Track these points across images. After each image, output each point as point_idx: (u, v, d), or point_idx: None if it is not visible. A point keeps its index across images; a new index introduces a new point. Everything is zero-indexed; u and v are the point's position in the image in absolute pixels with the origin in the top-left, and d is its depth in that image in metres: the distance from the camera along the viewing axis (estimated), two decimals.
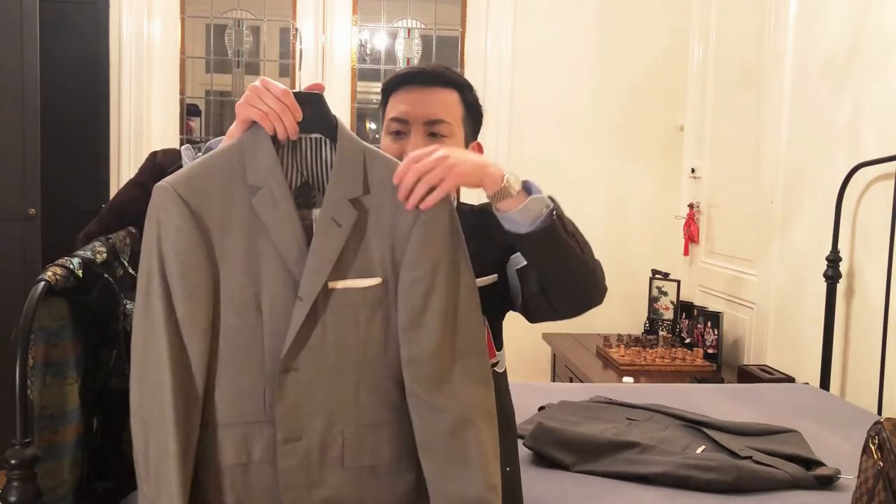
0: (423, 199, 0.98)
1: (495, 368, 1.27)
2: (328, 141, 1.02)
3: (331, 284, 0.98)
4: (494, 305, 1.26)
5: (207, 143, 1.16)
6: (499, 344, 1.29)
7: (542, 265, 1.15)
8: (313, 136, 1.02)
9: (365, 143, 1.02)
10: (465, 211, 1.31)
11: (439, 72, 1.25)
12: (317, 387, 0.99)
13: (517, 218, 1.05)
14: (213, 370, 0.98)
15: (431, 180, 0.97)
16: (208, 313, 0.97)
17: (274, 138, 0.99)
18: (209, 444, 0.98)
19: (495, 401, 1.15)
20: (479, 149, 1.33)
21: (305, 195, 1.02)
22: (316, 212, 1.00)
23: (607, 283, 1.25)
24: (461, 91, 1.26)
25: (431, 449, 1.01)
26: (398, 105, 1.24)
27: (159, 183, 0.98)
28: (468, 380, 1.02)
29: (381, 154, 1.03)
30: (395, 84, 1.25)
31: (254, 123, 0.99)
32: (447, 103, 1.24)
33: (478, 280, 1.18)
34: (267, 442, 0.99)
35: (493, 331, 1.27)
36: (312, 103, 1.00)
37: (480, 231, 1.23)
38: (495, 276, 1.24)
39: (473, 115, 1.28)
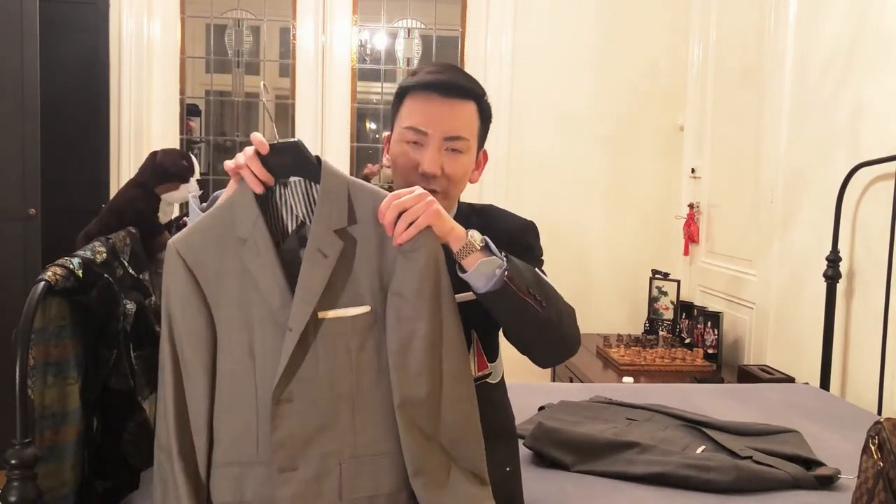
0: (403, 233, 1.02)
1: (488, 380, 1.27)
2: (314, 182, 1.06)
3: (320, 314, 1.01)
4: (484, 320, 1.23)
5: (213, 196, 1.20)
6: (491, 356, 1.28)
7: (503, 322, 1.16)
8: (297, 179, 1.06)
9: (349, 177, 1.05)
10: (466, 212, 1.31)
11: (461, 83, 1.22)
12: (311, 417, 1.01)
13: (472, 279, 1.08)
14: (213, 412, 1.04)
15: (410, 217, 1.01)
16: (207, 358, 1.04)
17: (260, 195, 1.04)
18: (213, 481, 1.04)
19: (490, 411, 1.18)
20: (485, 156, 1.32)
21: (302, 236, 1.07)
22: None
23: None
24: (478, 101, 1.24)
25: (421, 473, 1.03)
26: (417, 114, 1.21)
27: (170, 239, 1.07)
28: (455, 404, 1.04)
29: (365, 186, 1.05)
30: (415, 88, 1.22)
31: (242, 180, 1.04)
32: (467, 118, 1.22)
33: (468, 294, 1.18)
34: (258, 483, 1.02)
35: (484, 343, 1.26)
36: (290, 151, 1.03)
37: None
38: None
39: (486, 124, 1.27)
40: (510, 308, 1.09)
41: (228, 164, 1.05)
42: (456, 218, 1.25)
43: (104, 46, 3.44)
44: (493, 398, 1.28)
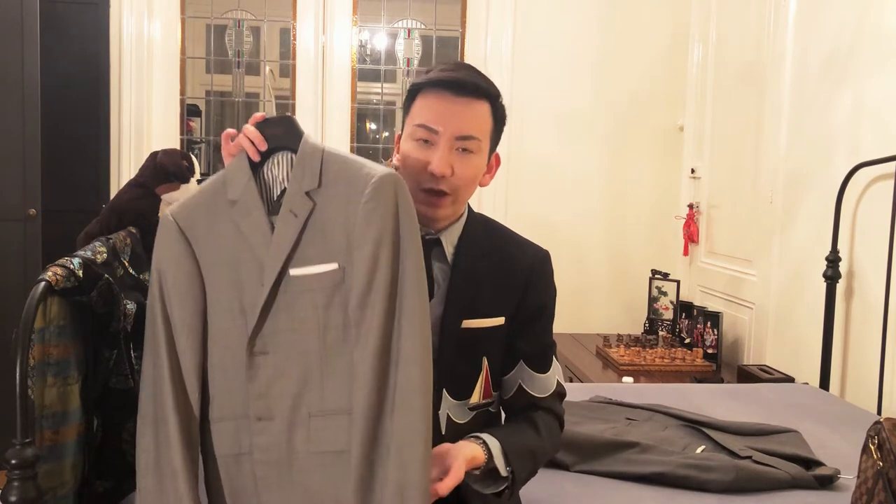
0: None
1: (489, 409, 1.27)
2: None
3: (291, 272, 1.05)
4: (499, 348, 1.25)
5: None
6: (497, 385, 1.28)
7: None
8: (284, 152, 1.11)
9: (328, 147, 1.09)
10: (476, 223, 1.28)
11: (475, 82, 1.18)
12: (285, 370, 1.06)
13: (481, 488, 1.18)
14: (208, 370, 1.09)
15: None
16: (199, 317, 1.09)
17: (254, 163, 1.09)
18: (209, 437, 1.09)
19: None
20: (497, 160, 1.29)
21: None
22: None
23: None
24: (493, 102, 1.21)
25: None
26: (428, 111, 1.18)
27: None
28: (406, 362, 1.02)
29: (340, 154, 1.08)
30: (428, 86, 1.19)
31: (237, 155, 1.11)
32: (479, 118, 1.19)
33: (486, 321, 1.22)
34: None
35: (493, 371, 1.25)
36: (283, 125, 1.10)
37: (496, 258, 1.25)
38: (502, 318, 1.23)
39: (499, 126, 1.24)
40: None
41: (227, 131, 1.12)
42: (465, 229, 1.26)
43: (104, 47, 3.45)
44: (492, 426, 1.28)
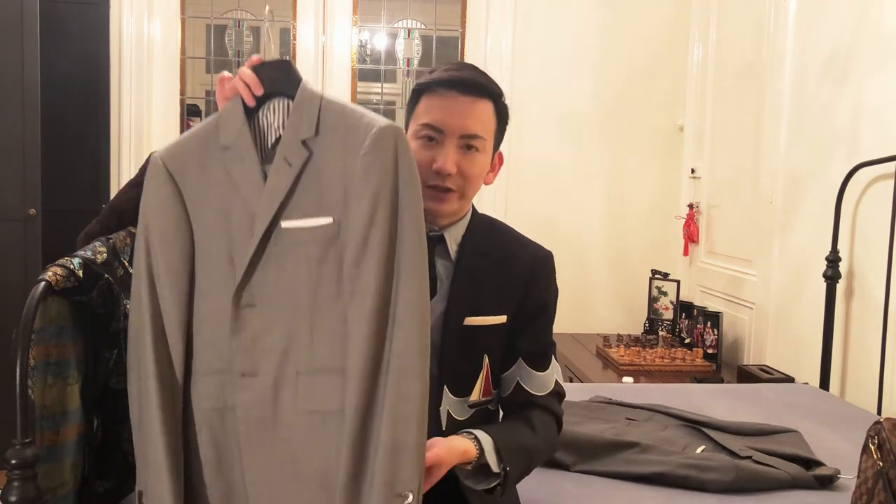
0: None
1: (488, 406, 1.27)
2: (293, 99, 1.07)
3: (283, 224, 1.01)
4: (500, 346, 1.25)
5: None
6: (497, 383, 1.28)
7: None
8: (281, 98, 1.05)
9: (326, 94, 1.04)
10: (481, 223, 1.29)
11: (478, 81, 1.21)
12: (272, 324, 1.01)
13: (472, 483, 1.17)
14: (191, 322, 1.05)
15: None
16: (185, 266, 1.04)
17: (249, 108, 1.04)
18: (194, 390, 1.05)
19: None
20: (500, 159, 1.30)
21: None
22: None
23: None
24: (496, 101, 1.23)
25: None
26: (432, 111, 1.20)
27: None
28: (404, 323, 0.98)
29: (339, 101, 1.04)
30: (433, 86, 1.21)
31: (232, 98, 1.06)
32: (483, 116, 1.21)
33: (488, 318, 1.22)
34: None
35: (493, 369, 1.25)
36: (280, 69, 1.05)
37: (499, 257, 1.25)
38: (504, 317, 1.24)
39: (502, 125, 1.26)
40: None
41: (223, 74, 1.08)
42: (469, 227, 1.27)
43: (104, 47, 3.44)
44: (489, 423, 1.29)
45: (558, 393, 1.29)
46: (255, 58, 1.06)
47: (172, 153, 1.05)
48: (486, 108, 1.21)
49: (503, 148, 1.32)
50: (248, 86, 1.03)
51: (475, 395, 1.23)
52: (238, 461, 1.04)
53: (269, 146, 1.05)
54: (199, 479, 1.05)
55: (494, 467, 1.15)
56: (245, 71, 1.04)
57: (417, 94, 1.23)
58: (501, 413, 1.31)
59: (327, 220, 1.00)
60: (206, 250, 1.04)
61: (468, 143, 1.19)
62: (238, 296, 1.02)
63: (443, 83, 1.20)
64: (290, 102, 1.04)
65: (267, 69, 1.05)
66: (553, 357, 1.30)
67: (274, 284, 1.01)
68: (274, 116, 1.06)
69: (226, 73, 1.08)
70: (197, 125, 1.08)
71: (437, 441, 1.09)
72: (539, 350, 1.27)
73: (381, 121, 1.00)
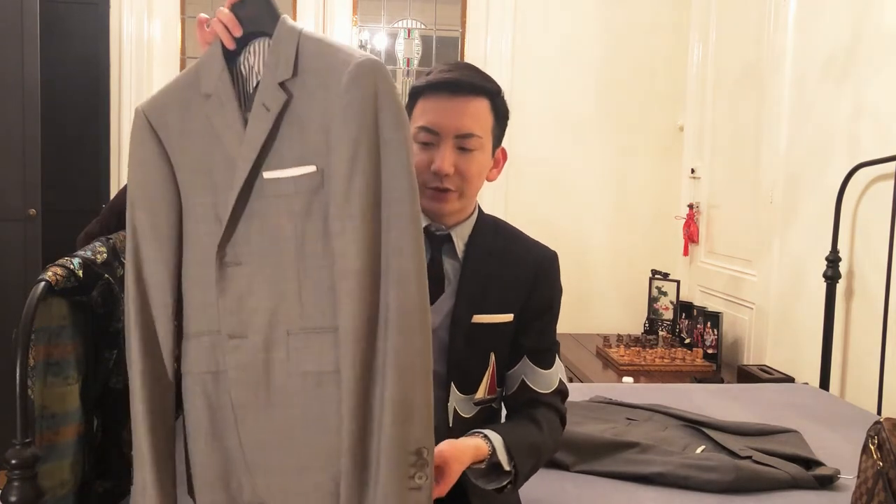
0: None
1: (493, 404, 1.27)
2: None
3: (265, 174, 0.94)
4: (506, 344, 1.26)
5: None
6: (502, 381, 1.28)
7: None
8: (261, 39, 0.99)
9: (305, 30, 0.96)
10: (487, 224, 1.30)
11: (472, 80, 1.20)
12: (259, 282, 0.96)
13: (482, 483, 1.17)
14: (180, 281, 1.00)
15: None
16: (171, 222, 0.99)
17: (229, 52, 0.99)
18: (187, 352, 1.01)
19: None
20: (504, 155, 1.31)
21: None
22: None
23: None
24: (492, 98, 1.23)
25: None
26: (427, 113, 1.20)
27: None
28: (400, 278, 0.91)
29: (317, 37, 0.96)
30: (426, 89, 1.21)
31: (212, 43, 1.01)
32: (478, 115, 1.20)
33: (495, 317, 1.22)
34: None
35: (499, 367, 1.26)
36: (259, 5, 0.97)
37: (505, 256, 1.26)
38: (511, 315, 1.24)
39: (501, 121, 1.26)
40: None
41: (201, 16, 1.02)
42: (476, 227, 1.27)
43: (104, 47, 3.45)
44: (494, 422, 1.30)
45: (562, 392, 1.29)
46: None
47: (154, 105, 1.00)
48: (480, 106, 1.21)
49: (504, 147, 1.32)
50: (226, 27, 0.97)
51: (481, 392, 1.23)
52: (234, 427, 0.99)
53: (251, 91, 0.98)
54: (196, 447, 1.01)
55: (506, 465, 1.15)
56: (222, 11, 0.98)
57: (413, 97, 1.24)
58: (505, 412, 1.32)
59: (310, 169, 0.93)
60: (192, 207, 0.99)
61: (464, 143, 1.19)
62: (222, 253, 0.96)
63: (435, 86, 1.20)
64: (270, 41, 0.97)
65: (246, 7, 0.98)
66: (557, 356, 1.30)
67: (258, 241, 0.96)
68: (255, 58, 0.99)
69: (203, 16, 1.02)
70: (179, 75, 1.03)
71: (444, 442, 1.10)
72: (543, 348, 1.28)
73: (359, 55, 0.91)
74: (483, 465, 1.15)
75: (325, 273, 0.93)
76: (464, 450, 1.10)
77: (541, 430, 1.24)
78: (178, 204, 0.99)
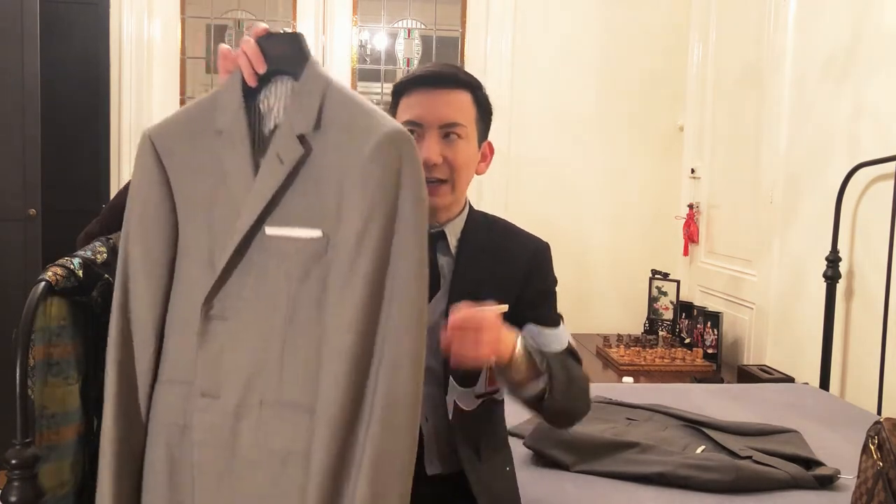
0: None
1: (494, 396, 1.27)
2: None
3: (267, 230, 0.89)
4: None
5: None
6: None
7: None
8: (285, 78, 0.94)
9: (333, 80, 0.92)
10: (479, 220, 1.30)
11: (452, 73, 1.23)
12: (242, 341, 0.90)
13: (517, 391, 1.15)
14: (165, 322, 0.95)
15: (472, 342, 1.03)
16: (165, 260, 0.94)
17: (248, 87, 0.94)
18: (157, 399, 0.95)
19: (490, 429, 1.23)
20: (490, 148, 1.32)
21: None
22: None
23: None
24: (473, 91, 1.25)
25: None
26: (411, 108, 1.22)
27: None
28: (392, 368, 0.85)
29: (348, 92, 0.92)
30: (407, 86, 1.24)
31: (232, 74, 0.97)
32: (461, 105, 1.23)
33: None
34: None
35: None
36: (289, 44, 0.93)
37: (498, 251, 1.26)
38: (506, 305, 1.23)
39: (485, 114, 1.28)
40: (544, 407, 1.15)
41: (224, 47, 0.96)
42: (468, 222, 1.28)
43: (104, 47, 3.44)
44: (497, 414, 1.30)
45: (573, 353, 1.26)
46: (260, 27, 0.94)
47: (162, 131, 0.95)
48: (462, 98, 1.23)
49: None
50: (250, 62, 0.93)
51: (481, 385, 1.23)
52: (190, 488, 0.93)
53: (267, 133, 0.93)
54: (149, 499, 0.95)
55: (537, 359, 1.12)
56: (249, 43, 0.93)
57: (396, 96, 1.26)
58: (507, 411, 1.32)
59: (316, 234, 0.88)
60: (188, 245, 0.94)
61: (448, 132, 1.21)
62: (208, 304, 0.91)
63: (416, 81, 1.23)
64: (295, 85, 0.92)
65: (274, 43, 0.93)
66: (562, 324, 1.28)
67: (249, 298, 0.90)
68: (275, 99, 0.94)
69: (225, 47, 0.96)
70: (193, 101, 0.98)
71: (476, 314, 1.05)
72: (546, 314, 1.26)
73: (390, 124, 0.87)
74: (518, 354, 1.10)
75: (312, 344, 0.87)
76: (486, 312, 1.05)
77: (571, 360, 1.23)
78: (174, 240, 0.94)
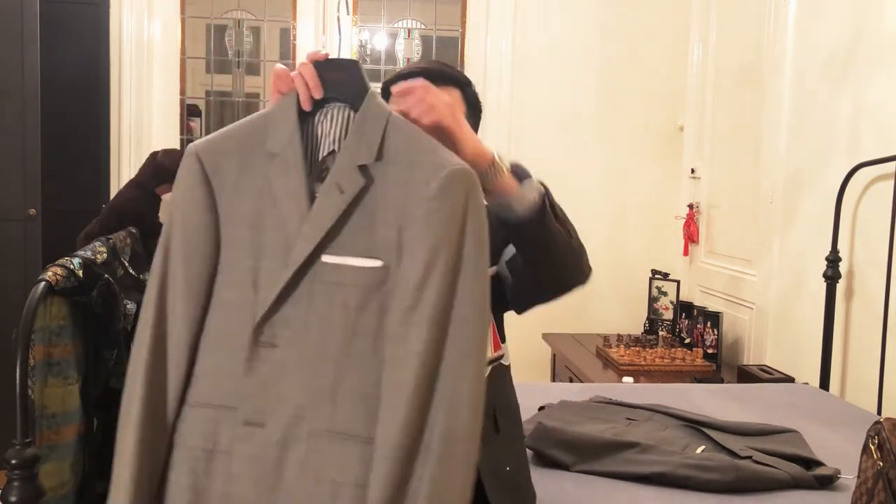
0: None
1: (501, 361, 1.27)
2: (356, 110, 0.94)
3: (324, 258, 0.89)
4: (495, 298, 1.25)
5: None
6: (504, 336, 1.29)
7: (531, 251, 1.14)
8: (341, 105, 0.94)
9: (395, 113, 0.92)
10: None
11: (441, 70, 1.24)
12: (291, 371, 0.88)
13: (511, 204, 1.05)
14: (199, 343, 0.93)
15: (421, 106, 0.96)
16: (204, 278, 0.92)
17: (305, 111, 0.94)
18: (183, 422, 0.92)
19: (503, 394, 1.18)
20: None
21: (327, 168, 0.95)
22: None
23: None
24: (462, 88, 1.26)
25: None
26: (399, 104, 1.23)
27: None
28: (454, 403, 0.85)
29: (407, 126, 0.92)
30: (398, 81, 1.23)
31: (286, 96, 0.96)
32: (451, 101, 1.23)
33: None
34: (234, 430, 0.91)
35: (497, 321, 1.26)
36: (346, 71, 0.93)
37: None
38: (494, 268, 1.23)
39: (475, 112, 1.28)
40: (544, 235, 1.07)
41: (280, 67, 0.95)
42: None
43: (104, 47, 3.44)
44: (506, 380, 1.30)
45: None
46: (321, 53, 0.94)
47: (211, 148, 0.93)
48: (452, 94, 1.23)
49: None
50: (307, 86, 0.92)
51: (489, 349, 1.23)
52: None
53: (320, 158, 0.93)
54: None
55: (511, 165, 1.05)
56: (307, 68, 0.93)
57: (386, 94, 1.25)
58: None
59: (377, 263, 0.87)
60: (231, 266, 0.92)
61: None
62: (259, 331, 0.89)
63: (406, 77, 1.20)
64: (352, 113, 0.92)
65: (331, 69, 0.93)
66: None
67: (302, 326, 0.88)
68: (331, 125, 0.94)
69: (281, 67, 0.96)
70: (242, 120, 0.96)
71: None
72: None
73: (454, 161, 0.88)
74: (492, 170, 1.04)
75: (368, 375, 0.87)
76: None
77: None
78: (215, 259, 0.92)
